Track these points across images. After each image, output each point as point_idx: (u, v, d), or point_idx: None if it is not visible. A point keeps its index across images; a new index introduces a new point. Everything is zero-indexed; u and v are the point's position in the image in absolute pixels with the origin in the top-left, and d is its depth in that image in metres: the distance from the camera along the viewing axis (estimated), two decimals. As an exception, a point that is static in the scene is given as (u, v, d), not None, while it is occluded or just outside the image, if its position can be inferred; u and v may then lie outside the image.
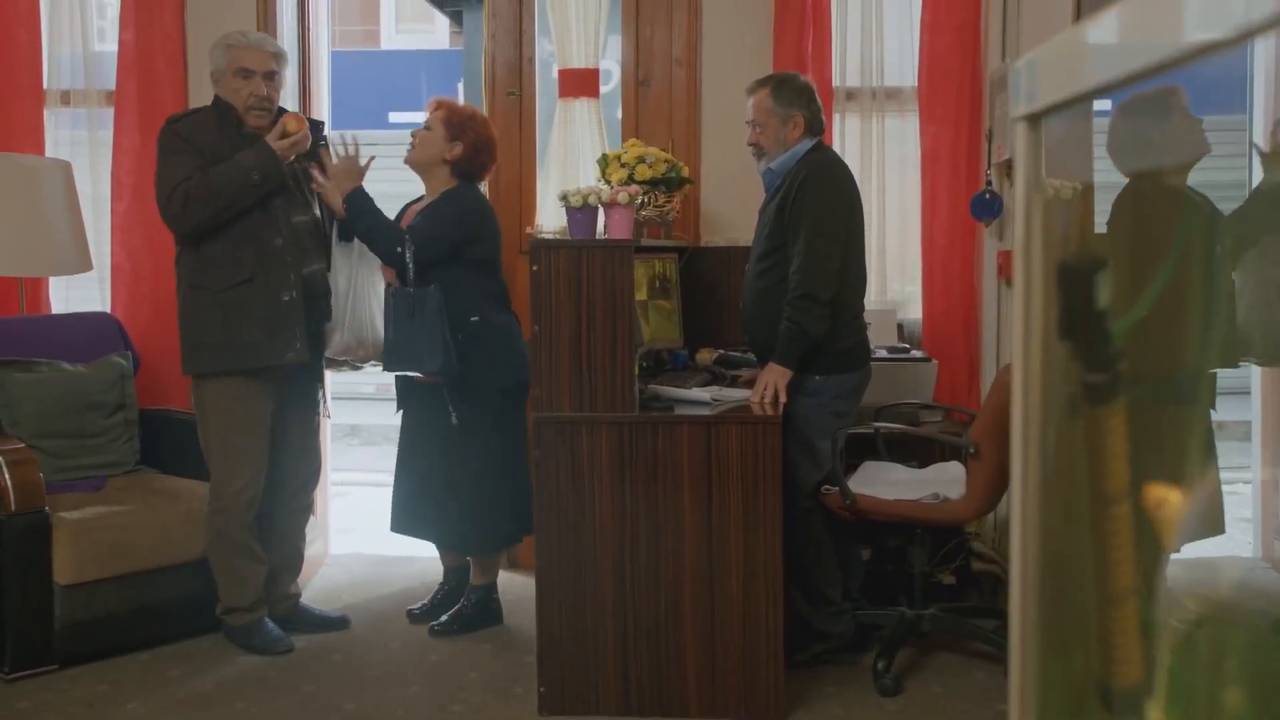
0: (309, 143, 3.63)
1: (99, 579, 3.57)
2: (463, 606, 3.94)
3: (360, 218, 3.67)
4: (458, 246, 3.70)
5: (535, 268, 3.16)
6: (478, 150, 3.81)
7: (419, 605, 4.06)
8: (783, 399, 3.30)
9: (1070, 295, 0.87)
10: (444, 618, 3.93)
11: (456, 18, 9.69)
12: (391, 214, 3.87)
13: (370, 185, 3.80)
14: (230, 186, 3.49)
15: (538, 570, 3.22)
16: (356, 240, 3.75)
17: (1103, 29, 0.87)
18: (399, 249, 3.62)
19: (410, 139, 3.85)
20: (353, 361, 3.85)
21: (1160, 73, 0.78)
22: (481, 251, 3.77)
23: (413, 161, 3.84)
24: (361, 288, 3.79)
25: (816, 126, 3.54)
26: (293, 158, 3.61)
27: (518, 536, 3.96)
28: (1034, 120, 1.00)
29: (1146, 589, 0.79)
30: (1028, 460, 1.01)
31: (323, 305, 3.70)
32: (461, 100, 6.86)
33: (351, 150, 3.76)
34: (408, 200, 4.02)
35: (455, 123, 3.79)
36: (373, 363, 3.85)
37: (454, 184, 3.81)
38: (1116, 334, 0.81)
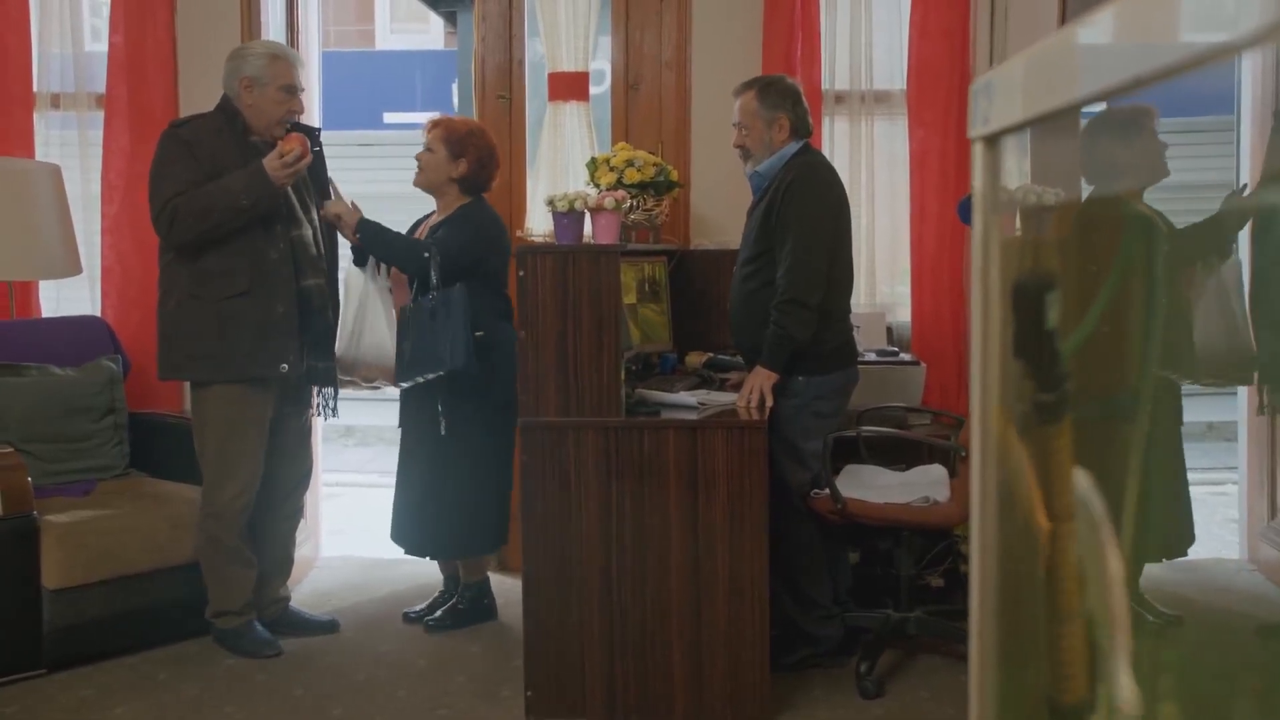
0: (308, 164, 3.59)
1: (87, 583, 3.57)
2: (457, 602, 3.99)
3: (376, 242, 3.74)
4: (480, 256, 3.79)
5: (522, 272, 3.17)
6: (482, 164, 3.88)
7: (416, 609, 4.09)
8: (769, 402, 3.31)
9: (1022, 314, 0.87)
10: (438, 613, 3.99)
11: (451, 18, 9.69)
12: (420, 213, 4.04)
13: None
14: (218, 209, 3.48)
15: (524, 574, 3.22)
16: (369, 265, 3.83)
17: (1057, 52, 0.88)
18: (425, 254, 3.68)
19: (418, 163, 3.90)
20: (358, 381, 3.91)
21: (1114, 96, 0.79)
22: (493, 267, 3.85)
23: (421, 185, 3.92)
24: (372, 311, 3.85)
25: (803, 129, 3.55)
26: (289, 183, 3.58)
27: (496, 543, 3.99)
28: (991, 141, 1.01)
29: (1094, 604, 0.80)
30: (986, 478, 1.02)
31: (319, 319, 3.69)
32: (456, 103, 6.88)
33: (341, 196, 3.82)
34: (411, 207, 4.13)
35: (455, 140, 3.84)
36: (379, 383, 3.91)
37: (465, 200, 3.88)
38: (1064, 354, 0.82)
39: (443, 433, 3.77)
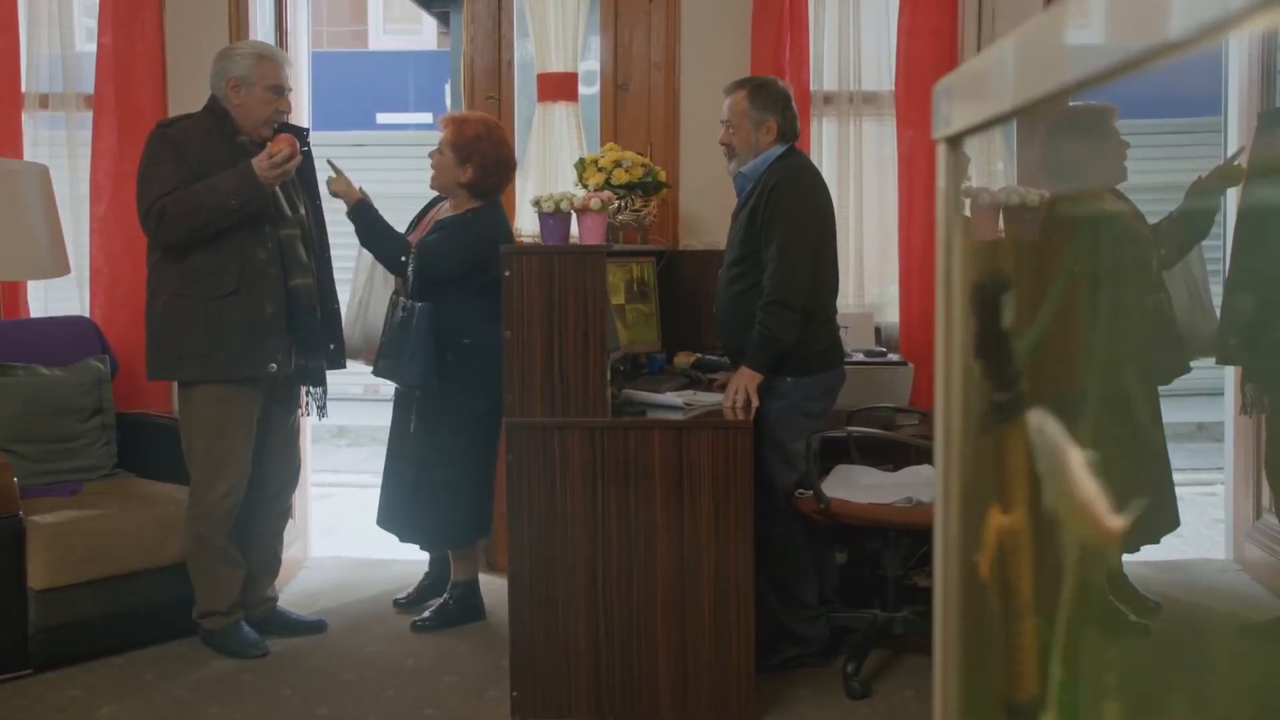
0: (297, 164, 3.59)
1: (74, 583, 3.57)
2: (445, 602, 4.01)
3: (364, 228, 3.81)
4: (467, 271, 3.75)
5: (507, 273, 3.18)
6: (488, 171, 3.82)
7: (404, 595, 4.16)
8: (754, 402, 3.31)
9: (980, 315, 0.88)
10: (426, 613, 3.99)
11: (444, 19, 9.68)
12: (412, 213, 4.08)
13: (361, 186, 3.88)
14: (206, 209, 3.48)
15: (510, 574, 3.23)
16: None
17: (1007, 53, 0.88)
18: (402, 258, 3.72)
19: (431, 163, 3.90)
20: (363, 359, 3.98)
21: (1067, 95, 0.79)
22: (488, 277, 3.69)
23: (435, 187, 3.95)
24: (376, 294, 3.91)
25: (790, 133, 3.55)
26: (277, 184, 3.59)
27: (480, 534, 4.04)
28: (953, 143, 1.01)
29: (1046, 605, 0.80)
30: (948, 477, 1.02)
31: (308, 318, 3.70)
32: (448, 104, 6.88)
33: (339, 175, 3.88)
34: (404, 207, 4.21)
35: (462, 145, 3.79)
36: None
37: (474, 204, 3.84)
38: (1018, 354, 0.83)
39: (411, 430, 3.83)
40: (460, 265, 3.76)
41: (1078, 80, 0.73)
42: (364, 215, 3.81)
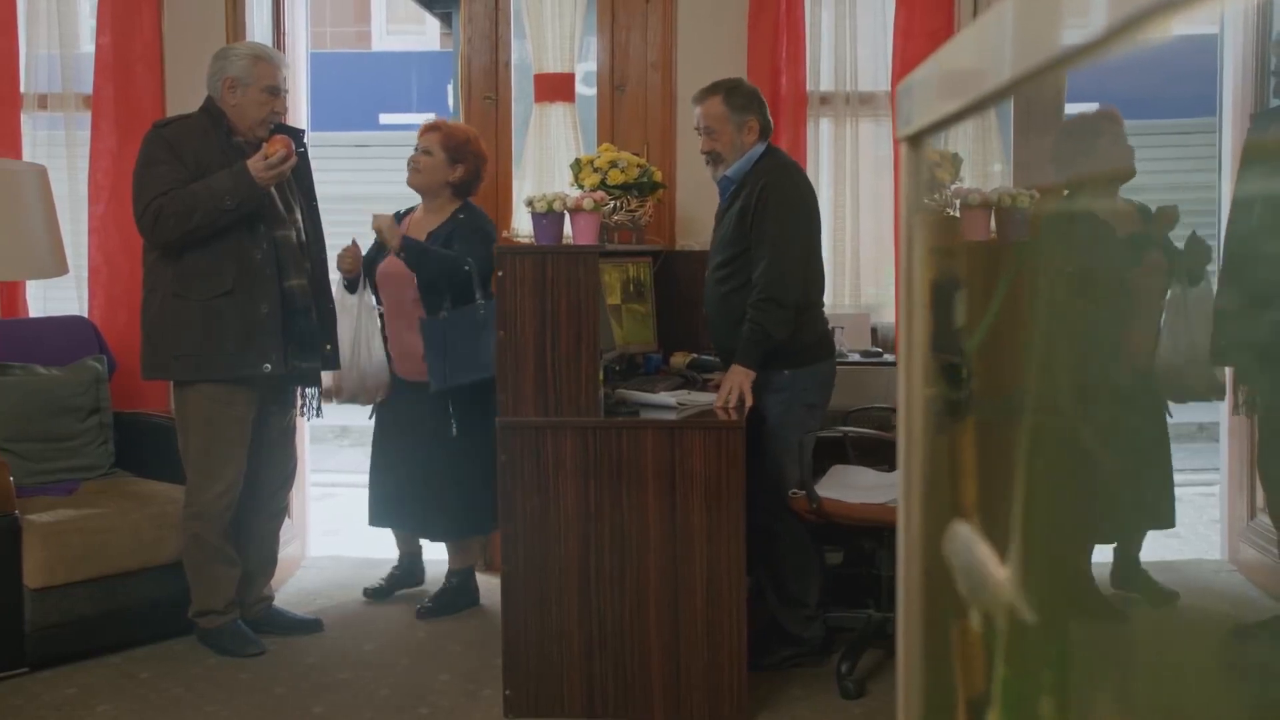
0: (292, 165, 3.61)
1: (70, 582, 3.58)
2: (445, 588, 4.16)
3: (422, 259, 3.85)
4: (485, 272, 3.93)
5: (500, 273, 3.19)
6: (477, 172, 4.07)
7: (374, 584, 4.31)
8: (748, 401, 3.31)
9: (937, 313, 0.89)
10: (427, 600, 4.14)
11: (446, 19, 9.72)
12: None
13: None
14: (201, 209, 3.50)
15: (503, 574, 3.24)
16: (360, 292, 3.99)
17: (962, 50, 0.89)
18: (465, 267, 3.85)
19: (413, 164, 4.03)
20: (361, 401, 4.08)
21: (1011, 92, 0.79)
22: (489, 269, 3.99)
23: (416, 186, 4.07)
24: (366, 336, 3.99)
25: (768, 129, 3.57)
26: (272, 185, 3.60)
27: (487, 526, 4.10)
28: (914, 141, 1.02)
29: (990, 600, 0.81)
30: (910, 473, 1.03)
31: (302, 319, 3.71)
32: (451, 104, 6.94)
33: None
34: (399, 207, 4.22)
35: (454, 146, 4.02)
36: (380, 398, 4.09)
37: (457, 203, 4.05)
38: (967, 353, 0.83)
39: (453, 434, 3.93)
40: (492, 258, 3.88)
41: (1030, 71, 0.74)
42: (416, 246, 3.87)
